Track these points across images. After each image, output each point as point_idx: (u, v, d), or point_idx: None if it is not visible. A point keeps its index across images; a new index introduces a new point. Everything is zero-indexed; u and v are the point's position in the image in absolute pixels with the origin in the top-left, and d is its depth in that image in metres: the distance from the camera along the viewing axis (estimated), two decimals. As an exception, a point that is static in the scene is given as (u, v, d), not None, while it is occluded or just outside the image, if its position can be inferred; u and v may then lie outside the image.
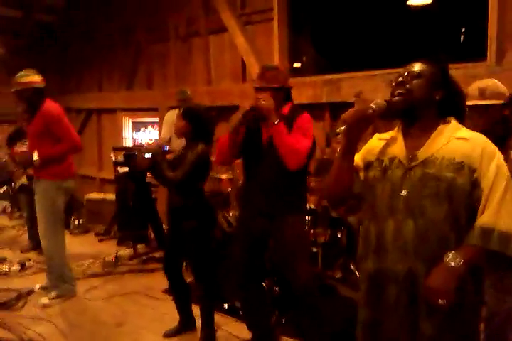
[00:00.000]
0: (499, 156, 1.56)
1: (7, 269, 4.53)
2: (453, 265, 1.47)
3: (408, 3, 4.40)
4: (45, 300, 3.78)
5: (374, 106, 1.55)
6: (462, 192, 1.52)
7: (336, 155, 1.68)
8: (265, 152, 2.65)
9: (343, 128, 1.57)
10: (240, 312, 3.39)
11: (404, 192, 1.57)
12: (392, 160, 1.64)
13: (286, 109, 2.66)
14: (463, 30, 4.16)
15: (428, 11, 4.37)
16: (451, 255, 1.48)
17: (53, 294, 3.85)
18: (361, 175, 1.72)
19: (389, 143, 1.69)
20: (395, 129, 1.72)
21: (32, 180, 4.01)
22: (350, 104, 4.15)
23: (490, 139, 1.60)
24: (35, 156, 3.66)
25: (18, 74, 3.78)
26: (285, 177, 2.61)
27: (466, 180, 1.52)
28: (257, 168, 2.70)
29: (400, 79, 1.64)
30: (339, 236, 3.49)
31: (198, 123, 2.97)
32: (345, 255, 3.69)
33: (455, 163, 1.53)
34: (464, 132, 1.62)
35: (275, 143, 2.53)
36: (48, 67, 7.90)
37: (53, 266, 3.86)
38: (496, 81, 2.47)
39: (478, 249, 1.49)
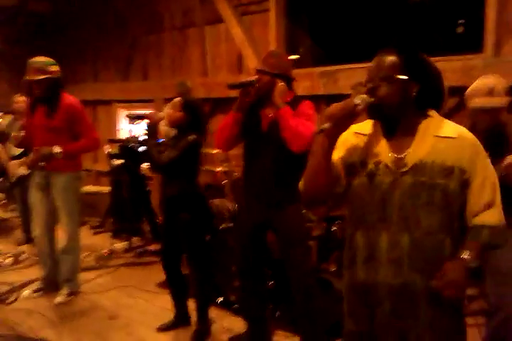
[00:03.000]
0: (484, 152, 1.53)
1: (0, 262, 4.50)
2: (469, 262, 1.47)
3: (406, -6, 4.35)
4: (60, 298, 3.68)
5: (359, 102, 1.44)
6: (455, 196, 1.49)
7: (314, 151, 1.53)
8: (265, 138, 2.65)
9: (327, 125, 1.44)
10: (234, 306, 3.38)
11: (396, 202, 1.50)
12: (377, 164, 1.53)
13: (288, 98, 2.64)
14: (460, 21, 4.11)
15: (426, 3, 4.32)
16: (467, 253, 1.48)
17: (66, 291, 3.74)
18: (342, 176, 1.59)
19: (369, 141, 1.57)
20: (372, 124, 1.60)
21: (32, 171, 3.84)
22: (347, 96, 4.11)
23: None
24: (57, 149, 3.50)
25: (44, 61, 3.50)
26: (285, 164, 2.60)
27: (457, 183, 1.48)
28: (256, 155, 2.69)
29: (370, 84, 1.50)
30: (334, 229, 3.46)
31: (194, 115, 3.00)
32: (340, 248, 3.66)
33: (446, 168, 1.47)
34: (449, 128, 1.53)
35: (280, 125, 2.53)
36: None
37: (72, 258, 3.76)
38: (497, 77, 2.41)
39: (483, 245, 1.52)
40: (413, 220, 1.48)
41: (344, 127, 1.47)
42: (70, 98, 3.65)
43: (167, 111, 2.92)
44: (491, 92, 2.33)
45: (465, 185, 1.49)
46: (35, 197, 3.77)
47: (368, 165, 1.55)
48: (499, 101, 2.31)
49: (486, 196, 1.50)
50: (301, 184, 1.61)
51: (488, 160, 1.54)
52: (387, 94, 1.48)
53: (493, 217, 1.52)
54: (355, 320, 1.64)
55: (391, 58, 1.51)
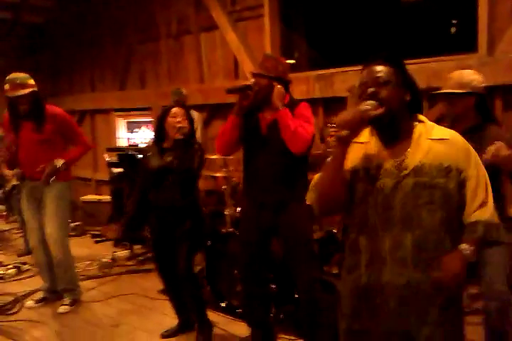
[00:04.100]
0: (474, 153, 1.62)
1: (3, 273, 4.49)
2: (466, 253, 1.54)
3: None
4: (63, 308, 3.67)
5: (370, 107, 1.50)
6: (453, 194, 1.56)
7: (328, 161, 1.61)
8: (264, 141, 2.66)
9: (344, 132, 1.49)
10: (237, 311, 3.37)
11: (398, 204, 1.55)
12: (378, 169, 1.59)
13: (284, 100, 2.67)
14: (454, 22, 4.14)
15: (420, 5, 4.35)
16: (466, 246, 1.55)
17: (68, 300, 3.73)
18: (349, 184, 1.64)
19: (367, 148, 1.63)
20: (368, 132, 1.66)
21: (22, 181, 3.84)
22: (343, 99, 4.13)
23: (460, 128, 1.67)
24: (60, 161, 3.52)
25: (23, 76, 3.50)
26: (284, 165, 2.62)
27: (455, 182, 1.56)
28: (256, 158, 2.70)
29: (372, 89, 1.55)
30: (335, 231, 3.46)
31: (192, 123, 3.09)
32: (341, 251, 3.66)
33: (444, 168, 1.55)
34: (440, 131, 1.62)
35: (280, 127, 2.56)
36: (40, 69, 7.86)
37: (66, 268, 3.74)
38: (468, 72, 2.49)
39: (479, 239, 1.57)
40: (415, 220, 1.53)
41: (357, 134, 1.54)
42: (53, 108, 3.66)
43: (174, 120, 2.95)
44: (448, 83, 2.48)
45: (462, 184, 1.56)
46: (27, 210, 3.78)
47: (370, 170, 1.60)
48: (445, 89, 2.46)
49: (480, 195, 1.58)
50: (311, 198, 1.68)
51: (480, 161, 1.62)
52: (389, 96, 1.54)
53: (486, 213, 1.59)
54: (359, 320, 1.65)
55: (383, 67, 1.59)
